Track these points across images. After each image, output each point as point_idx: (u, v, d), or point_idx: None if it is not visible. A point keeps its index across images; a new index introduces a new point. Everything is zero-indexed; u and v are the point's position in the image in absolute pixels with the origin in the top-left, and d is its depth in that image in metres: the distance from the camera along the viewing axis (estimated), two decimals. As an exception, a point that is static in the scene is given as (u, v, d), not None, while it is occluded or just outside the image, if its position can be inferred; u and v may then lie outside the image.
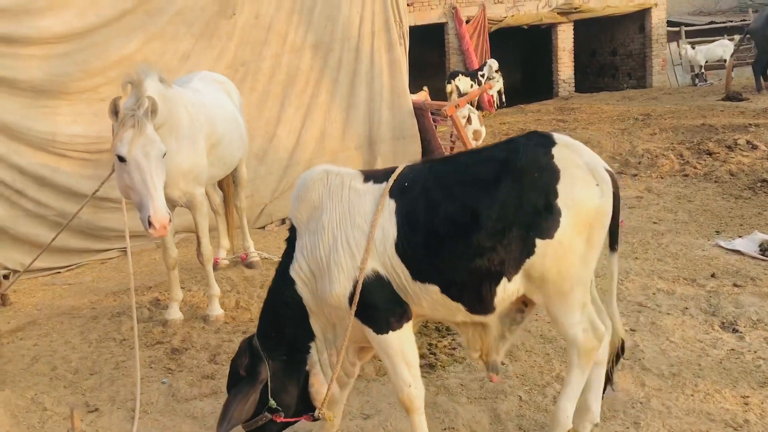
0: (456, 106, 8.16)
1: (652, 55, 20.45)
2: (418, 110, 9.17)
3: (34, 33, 6.97)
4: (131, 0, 7.44)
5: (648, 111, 14.21)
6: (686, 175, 9.46)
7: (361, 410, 4.13)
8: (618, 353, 3.52)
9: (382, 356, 3.34)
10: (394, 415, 4.04)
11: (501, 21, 19.11)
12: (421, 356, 4.58)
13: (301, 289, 3.36)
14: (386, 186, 3.27)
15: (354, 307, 3.20)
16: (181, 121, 5.11)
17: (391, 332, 3.27)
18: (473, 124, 10.18)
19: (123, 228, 7.22)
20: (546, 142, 3.19)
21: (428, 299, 3.23)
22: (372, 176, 3.40)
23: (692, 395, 3.99)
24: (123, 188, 4.45)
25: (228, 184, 6.74)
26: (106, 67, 7.36)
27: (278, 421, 3.36)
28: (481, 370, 4.41)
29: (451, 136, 9.41)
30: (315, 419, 3.46)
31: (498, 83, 17.62)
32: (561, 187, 3.06)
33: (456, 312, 3.26)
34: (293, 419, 3.42)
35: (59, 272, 7.23)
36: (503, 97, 18.58)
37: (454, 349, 4.74)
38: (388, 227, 3.19)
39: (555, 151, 3.14)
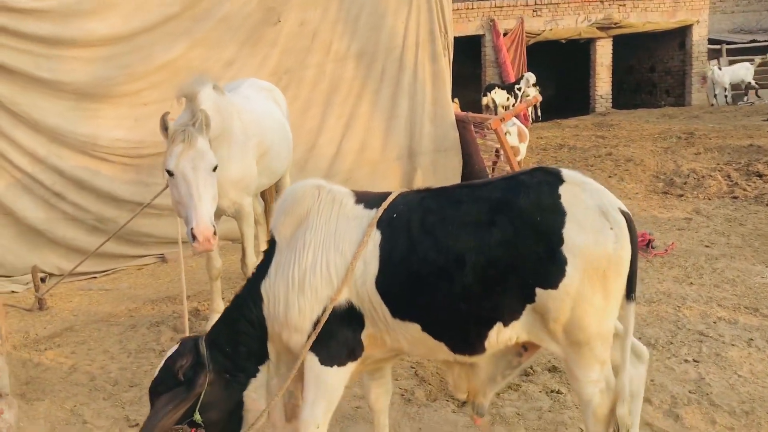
0: (501, 120, 7.96)
1: (692, 73, 20.10)
2: (461, 123, 8.99)
3: (79, 35, 6.95)
4: (177, 5, 7.37)
5: (690, 129, 13.89)
6: (735, 197, 9.16)
7: (413, 437, 3.94)
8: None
9: (308, 386, 3.07)
10: (448, 443, 3.84)
11: (539, 35, 18.90)
12: (475, 381, 4.39)
13: (266, 308, 3.14)
14: (375, 215, 3.05)
15: (314, 336, 2.98)
16: (234, 130, 4.98)
17: (335, 367, 3.05)
18: (509, 140, 9.95)
19: (160, 234, 7.29)
20: (552, 180, 2.90)
21: (407, 337, 3.01)
22: (364, 199, 3.17)
23: (768, 436, 3.74)
24: (174, 205, 4.31)
25: (270, 194, 6.61)
26: (149, 71, 7.30)
27: None
28: (539, 399, 4.21)
29: (496, 152, 9.19)
30: None
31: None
32: (567, 232, 2.77)
33: (438, 351, 3.03)
34: None
35: (95, 277, 7.15)
36: (539, 111, 18.36)
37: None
38: (370, 260, 2.98)
39: (562, 190, 2.85)
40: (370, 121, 8.77)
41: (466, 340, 2.94)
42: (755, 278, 6.12)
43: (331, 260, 3.01)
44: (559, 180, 2.88)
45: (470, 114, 9.13)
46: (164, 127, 4.18)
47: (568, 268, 2.75)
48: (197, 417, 3.05)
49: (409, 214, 3.00)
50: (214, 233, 4.15)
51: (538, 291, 2.79)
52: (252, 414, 3.20)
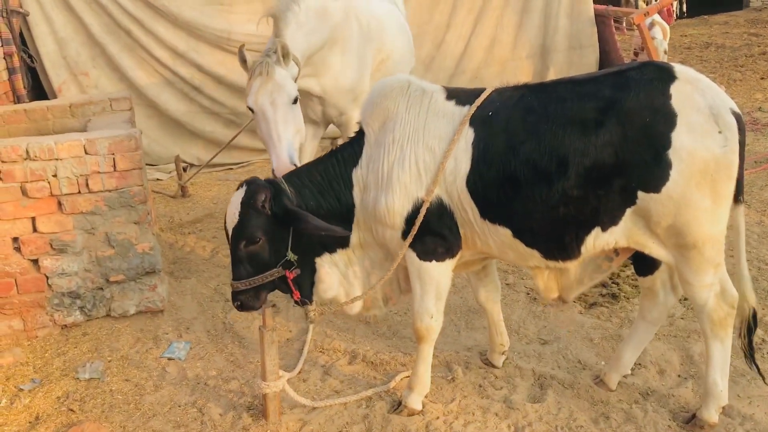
0: (645, 14, 7.38)
1: None
2: (599, 17, 8.41)
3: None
4: None
5: None
6: None
7: (538, 335, 3.96)
8: (750, 325, 3.07)
9: (414, 282, 3.13)
10: (574, 343, 3.83)
11: None
12: (603, 285, 4.34)
13: (357, 196, 3.14)
14: (468, 111, 2.94)
15: (411, 236, 2.97)
16: (350, 34, 4.70)
17: (434, 262, 3.06)
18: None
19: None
20: (664, 77, 2.73)
21: (497, 241, 2.96)
22: (456, 96, 3.06)
23: None
24: (261, 140, 4.16)
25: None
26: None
27: (289, 278, 3.08)
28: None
29: (635, 52, 8.58)
30: (301, 306, 3.24)
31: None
32: (676, 136, 2.64)
33: (529, 258, 2.98)
34: (293, 288, 3.15)
35: (231, 168, 7.49)
36: (684, 6, 16.87)
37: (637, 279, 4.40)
38: (461, 158, 2.90)
39: (674, 89, 2.69)
40: (501, 16, 8.38)
41: (560, 246, 2.89)
42: None
43: (420, 156, 2.98)
44: (671, 77, 2.74)
45: (610, 8, 8.50)
46: (243, 60, 3.97)
47: (673, 173, 2.66)
48: (292, 255, 3.05)
49: (507, 112, 2.91)
50: None
51: (640, 194, 2.72)
52: (323, 287, 3.25)
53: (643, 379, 3.51)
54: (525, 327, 4.04)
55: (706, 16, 16.40)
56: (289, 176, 3.23)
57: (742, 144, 2.75)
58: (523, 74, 8.45)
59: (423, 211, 2.96)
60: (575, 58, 8.49)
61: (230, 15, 7.34)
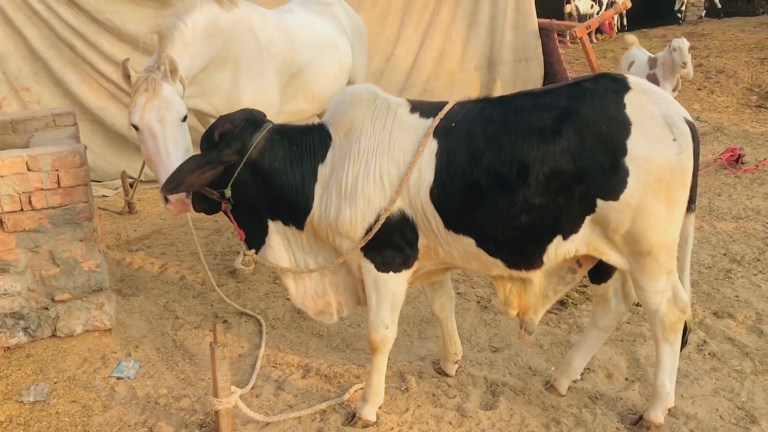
0: (587, 27, 7.59)
1: (796, -23, 18.48)
2: (543, 31, 8.63)
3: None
4: None
5: (791, 39, 12.92)
6: (838, 112, 8.58)
7: (489, 342, 4.01)
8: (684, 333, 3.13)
9: (370, 293, 3.16)
10: (524, 349, 3.89)
11: (628, -64, 17.59)
12: (552, 292, 4.40)
13: (317, 191, 3.12)
14: (432, 123, 2.99)
15: (365, 241, 3.01)
16: (242, 51, 4.48)
17: (391, 273, 3.10)
18: None
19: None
20: (618, 87, 2.81)
21: (460, 251, 3.00)
22: (419, 108, 3.10)
23: None
24: (146, 161, 3.89)
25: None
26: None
27: (222, 208, 3.19)
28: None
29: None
30: (246, 246, 3.29)
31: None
32: (631, 143, 2.72)
33: (492, 267, 3.03)
34: (234, 222, 3.23)
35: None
36: (625, 20, 17.37)
37: (585, 286, 4.51)
38: (425, 170, 2.94)
39: (628, 98, 2.77)
40: (449, 30, 8.53)
41: (523, 254, 2.93)
42: None
43: (385, 169, 2.99)
44: (625, 88, 2.81)
45: (554, 21, 8.73)
46: (126, 75, 3.73)
47: (630, 180, 2.73)
48: (227, 192, 3.11)
49: (468, 124, 2.95)
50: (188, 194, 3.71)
51: (599, 202, 2.78)
52: (273, 254, 3.25)
53: (592, 384, 3.59)
54: (476, 335, 4.09)
55: (645, 30, 16.92)
56: (278, 129, 3.22)
57: (696, 152, 2.82)
58: (471, 87, 8.60)
59: (382, 220, 2.97)
60: (521, 71, 8.68)
61: (176, 29, 7.26)
